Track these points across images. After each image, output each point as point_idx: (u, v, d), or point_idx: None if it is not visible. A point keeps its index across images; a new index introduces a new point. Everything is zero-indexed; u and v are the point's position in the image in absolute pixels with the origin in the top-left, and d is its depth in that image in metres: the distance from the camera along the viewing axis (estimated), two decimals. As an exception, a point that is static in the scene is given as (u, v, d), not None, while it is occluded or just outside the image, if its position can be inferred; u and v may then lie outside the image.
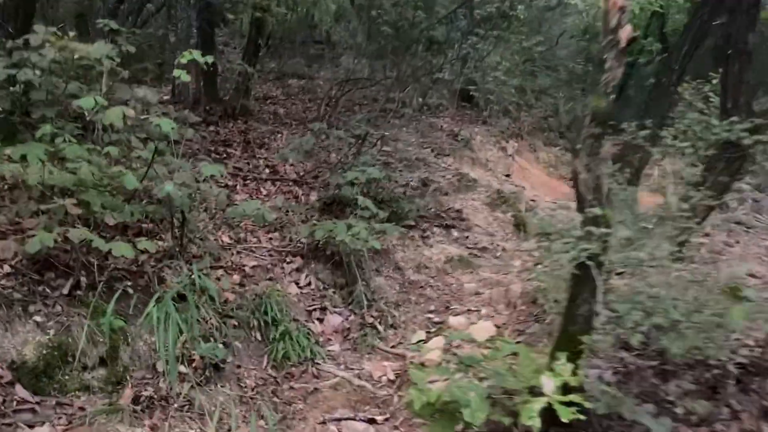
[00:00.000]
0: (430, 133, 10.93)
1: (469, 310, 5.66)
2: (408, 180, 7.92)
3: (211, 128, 8.92)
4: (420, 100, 10.93)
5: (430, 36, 11.48)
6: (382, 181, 6.49)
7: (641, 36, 19.59)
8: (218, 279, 4.94)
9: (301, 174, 7.73)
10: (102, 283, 4.14)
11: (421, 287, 6.11)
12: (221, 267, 5.18)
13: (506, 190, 8.40)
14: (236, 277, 5.15)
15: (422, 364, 4.71)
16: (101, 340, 3.83)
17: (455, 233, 7.33)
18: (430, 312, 5.72)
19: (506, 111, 13.38)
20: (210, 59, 4.26)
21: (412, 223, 7.10)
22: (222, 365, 4.28)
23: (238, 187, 7.05)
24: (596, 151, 3.31)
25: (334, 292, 5.62)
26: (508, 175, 11.04)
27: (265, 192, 7.12)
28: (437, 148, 10.11)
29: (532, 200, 9.31)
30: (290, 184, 7.42)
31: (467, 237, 7.29)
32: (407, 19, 11.85)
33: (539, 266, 5.31)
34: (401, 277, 6.18)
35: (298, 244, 5.91)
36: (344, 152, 7.42)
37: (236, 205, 6.14)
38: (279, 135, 9.08)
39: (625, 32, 3.09)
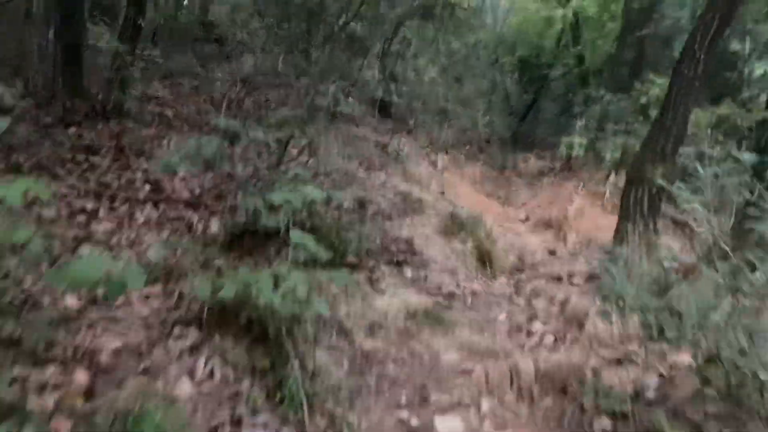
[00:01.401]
0: (353, 142, 8.87)
1: (460, 403, 3.62)
2: (340, 201, 5.80)
3: (72, 130, 6.43)
4: (341, 103, 8.86)
5: (351, 31, 9.49)
6: (318, 203, 4.34)
7: (554, 47, 18.57)
8: (42, 388, 2.65)
9: (198, 193, 5.44)
10: None
11: (381, 362, 4.00)
12: (52, 360, 2.86)
13: (462, 214, 6.46)
14: (81, 377, 2.85)
15: None
16: None
17: (409, 272, 5.29)
18: (401, 407, 3.62)
19: (432, 121, 11.58)
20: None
21: (355, 261, 5.01)
22: None
23: (101, 212, 4.67)
24: None
25: (252, 384, 3.40)
26: (442, 193, 9.18)
27: (142, 219, 4.77)
28: (366, 161, 8.07)
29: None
30: (181, 207, 5.11)
31: (426, 277, 5.27)
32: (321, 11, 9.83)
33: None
34: (350, 347, 4.05)
35: (194, 306, 3.65)
36: (259, 162, 5.22)
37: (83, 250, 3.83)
38: (166, 141, 6.70)
39: None
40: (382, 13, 9.71)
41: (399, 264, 5.31)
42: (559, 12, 14.80)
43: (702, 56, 4.66)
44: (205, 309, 3.56)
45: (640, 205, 4.58)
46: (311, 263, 3.96)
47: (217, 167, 5.04)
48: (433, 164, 10.07)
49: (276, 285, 3.42)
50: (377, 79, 9.59)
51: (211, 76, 10.89)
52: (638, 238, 4.55)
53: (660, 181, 4.61)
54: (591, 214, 8.74)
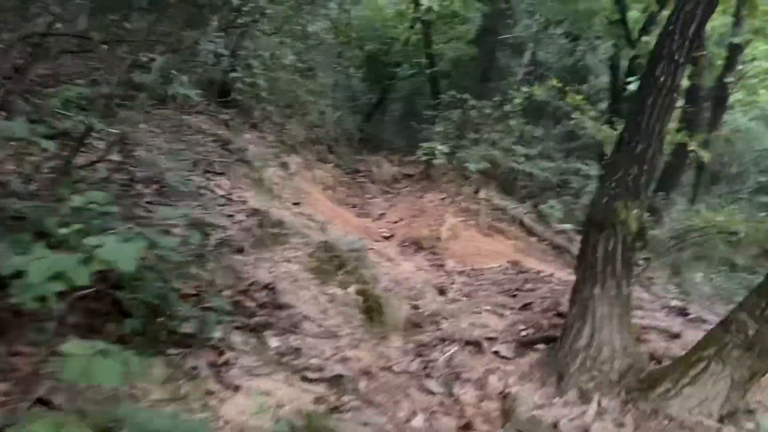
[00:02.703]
0: (185, 135, 6.81)
1: None
2: (168, 247, 3.80)
3: None
4: (174, 82, 6.70)
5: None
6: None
7: (404, 45, 17.40)
8: None
9: None
10: None
11: None
12: None
13: (340, 244, 4.74)
14: None
15: None
16: None
17: (274, 341, 3.51)
18: None
19: (281, 114, 9.74)
20: None
21: (189, 331, 3.13)
22: None
23: None
24: None
25: None
26: (297, 203, 7.45)
27: None
28: (203, 162, 6.08)
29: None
30: None
31: (298, 350, 3.51)
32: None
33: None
34: None
35: None
36: (33, 168, 3.10)
37: None
38: None
39: None
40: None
41: (257, 329, 3.51)
42: (412, 7, 13.60)
43: (682, 60, 3.43)
44: None
45: (611, 260, 3.24)
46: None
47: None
48: (284, 167, 8.26)
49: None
50: (218, 57, 7.55)
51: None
52: (608, 308, 3.20)
53: (634, 227, 3.28)
54: (467, 236, 7.49)
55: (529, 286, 5.39)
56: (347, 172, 12.00)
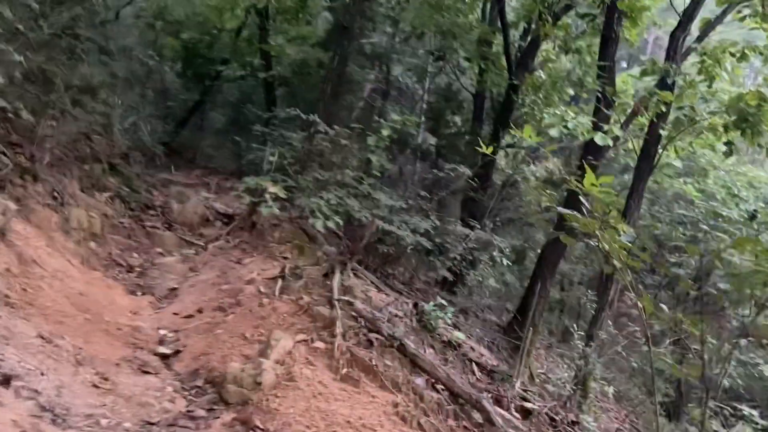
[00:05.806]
0: None
1: None
2: None
3: None
4: None
5: None
6: None
7: (234, 38, 13.68)
8: None
9: None
10: None
11: None
12: None
13: None
14: None
15: None
16: None
17: None
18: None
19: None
20: None
21: None
22: None
23: None
24: None
25: None
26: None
27: None
28: None
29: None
30: None
31: None
32: None
33: None
34: None
35: None
36: None
37: None
38: None
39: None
40: None
41: None
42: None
43: None
44: None
45: None
46: None
47: None
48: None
49: None
50: None
51: None
52: None
53: None
54: (309, 382, 4.09)
55: None
56: (133, 207, 8.13)
